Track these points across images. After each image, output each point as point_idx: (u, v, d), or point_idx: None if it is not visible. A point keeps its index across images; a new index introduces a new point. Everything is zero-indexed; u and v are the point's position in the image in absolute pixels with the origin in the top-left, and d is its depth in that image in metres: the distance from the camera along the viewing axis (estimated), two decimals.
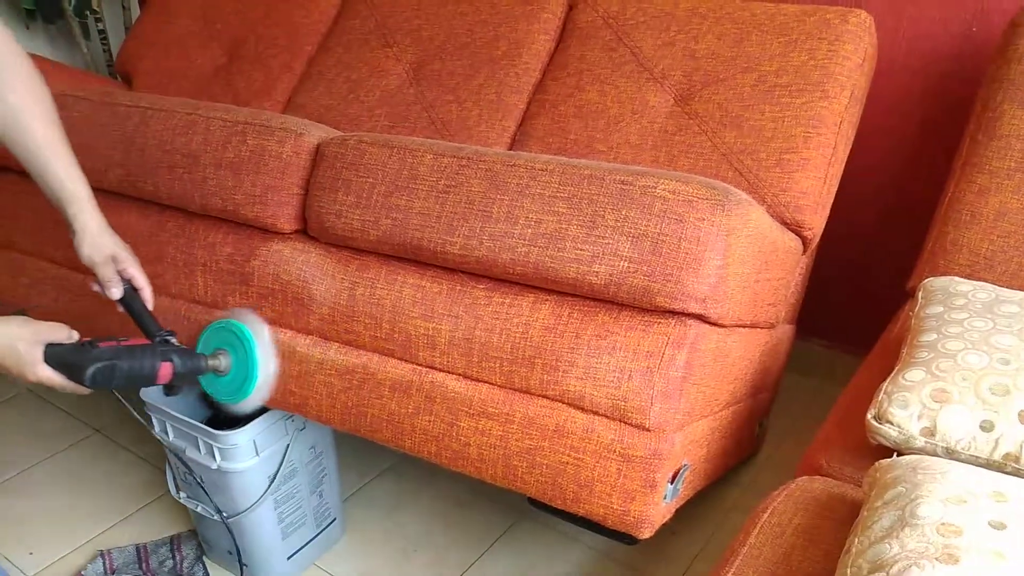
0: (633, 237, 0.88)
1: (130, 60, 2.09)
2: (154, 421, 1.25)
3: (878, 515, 0.68)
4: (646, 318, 0.92)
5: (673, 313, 0.91)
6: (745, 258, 0.95)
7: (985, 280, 1.13)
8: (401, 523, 1.48)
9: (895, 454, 0.84)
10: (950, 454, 0.84)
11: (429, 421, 1.04)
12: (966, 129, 1.33)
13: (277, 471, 1.24)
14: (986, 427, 0.82)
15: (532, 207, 0.93)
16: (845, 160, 1.37)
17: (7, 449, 1.69)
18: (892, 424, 0.87)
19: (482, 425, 1.01)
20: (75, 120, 1.29)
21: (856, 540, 0.68)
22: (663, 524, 1.01)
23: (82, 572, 1.35)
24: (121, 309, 1.05)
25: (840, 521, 0.81)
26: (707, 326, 0.94)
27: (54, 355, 0.89)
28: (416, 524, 1.48)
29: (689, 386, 0.94)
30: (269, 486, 1.23)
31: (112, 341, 0.94)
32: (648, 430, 0.92)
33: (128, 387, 0.96)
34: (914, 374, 0.89)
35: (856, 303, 1.83)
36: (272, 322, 1.15)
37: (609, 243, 0.89)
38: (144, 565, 1.38)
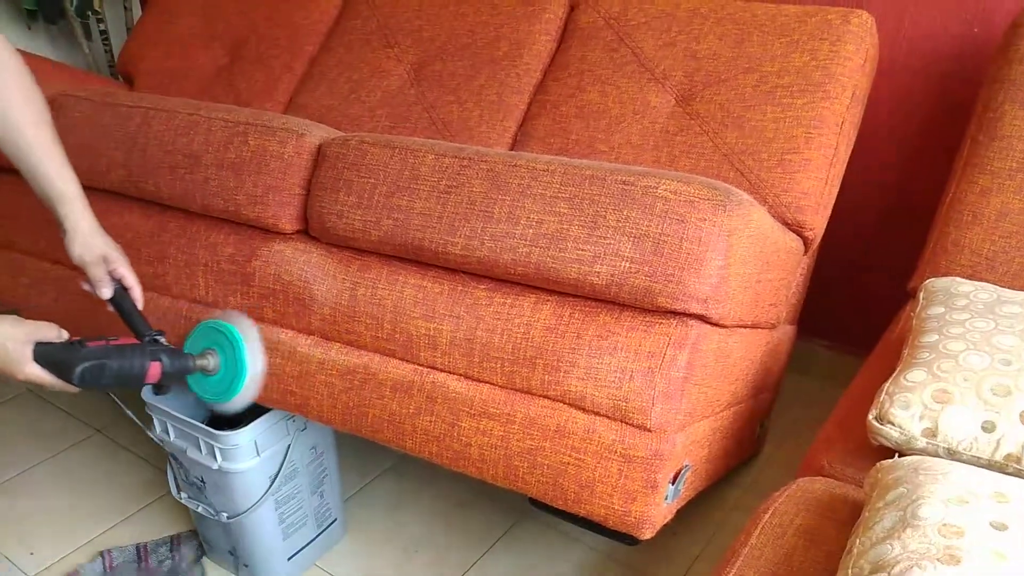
0: (635, 237, 0.88)
1: (132, 60, 2.10)
2: (155, 421, 1.25)
3: (879, 516, 0.68)
4: (647, 318, 0.92)
5: (674, 313, 0.91)
6: (746, 258, 0.95)
7: (986, 281, 1.13)
8: (402, 523, 1.48)
9: (896, 455, 0.84)
10: (951, 455, 0.84)
11: (430, 421, 1.04)
12: (967, 130, 1.33)
13: (278, 471, 1.24)
14: (987, 428, 0.82)
15: (534, 207, 0.93)
16: (847, 161, 1.37)
17: (7, 449, 1.69)
18: (893, 425, 0.86)
19: (483, 425, 1.01)
20: (77, 120, 1.29)
21: (857, 541, 0.68)
22: (664, 525, 1.01)
23: (79, 570, 1.35)
24: (111, 308, 1.06)
25: (841, 522, 0.81)
26: (708, 326, 0.94)
27: (43, 354, 0.90)
28: (417, 524, 1.48)
29: (690, 386, 0.94)
30: (270, 486, 1.23)
31: (101, 340, 0.95)
32: (649, 430, 0.92)
33: (117, 386, 0.96)
34: (915, 375, 0.89)
35: (857, 304, 1.83)
36: (273, 322, 1.15)
37: (610, 243, 0.89)
38: (143, 564, 1.38)
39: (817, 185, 1.28)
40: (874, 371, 1.09)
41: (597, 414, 0.94)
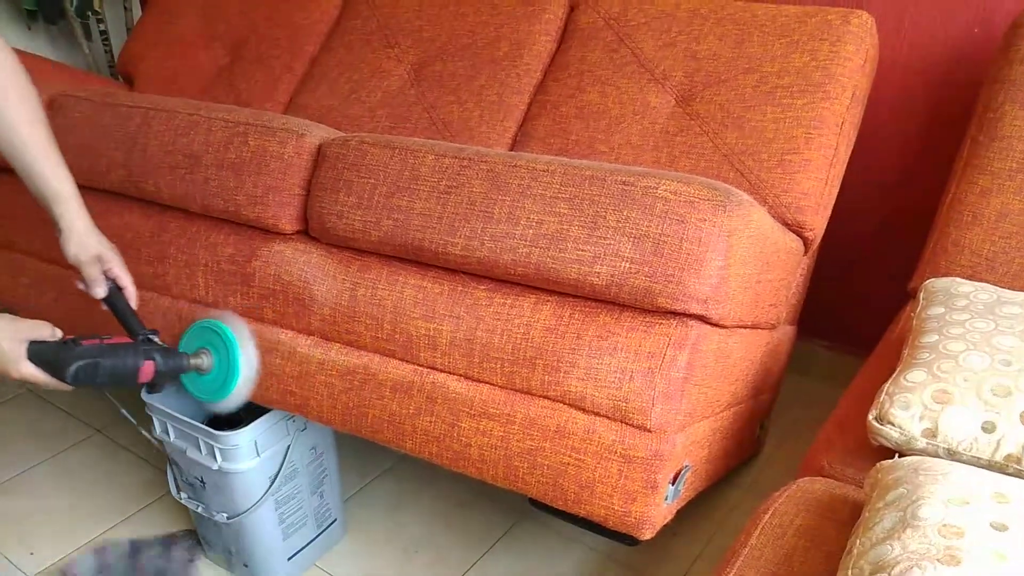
0: (634, 238, 0.88)
1: (132, 61, 2.10)
2: (155, 421, 1.25)
3: (880, 516, 0.68)
4: (647, 319, 0.92)
5: (674, 314, 0.91)
6: (746, 259, 0.95)
7: (987, 281, 1.13)
8: (402, 523, 1.48)
9: (896, 455, 0.84)
10: (951, 455, 0.84)
11: (430, 422, 1.04)
12: (967, 130, 1.33)
13: (278, 472, 1.24)
14: (988, 428, 0.82)
15: (534, 208, 0.93)
16: (847, 161, 1.37)
17: (7, 449, 1.69)
18: (893, 425, 0.86)
19: (483, 426, 1.00)
20: (77, 121, 1.29)
21: (857, 541, 0.68)
22: (664, 525, 1.01)
23: (72, 563, 1.35)
24: (105, 308, 1.06)
25: (841, 522, 0.81)
26: (708, 327, 0.94)
27: (37, 352, 0.90)
28: (417, 524, 1.48)
29: (690, 387, 0.94)
30: (270, 487, 1.23)
31: (95, 339, 0.96)
32: (649, 431, 0.92)
33: (111, 385, 0.97)
34: (915, 375, 0.89)
35: (857, 304, 1.83)
36: (273, 323, 1.15)
37: (610, 244, 0.89)
38: (138, 561, 1.38)
39: (817, 185, 1.28)
40: (874, 371, 1.09)
41: (597, 414, 0.94)
